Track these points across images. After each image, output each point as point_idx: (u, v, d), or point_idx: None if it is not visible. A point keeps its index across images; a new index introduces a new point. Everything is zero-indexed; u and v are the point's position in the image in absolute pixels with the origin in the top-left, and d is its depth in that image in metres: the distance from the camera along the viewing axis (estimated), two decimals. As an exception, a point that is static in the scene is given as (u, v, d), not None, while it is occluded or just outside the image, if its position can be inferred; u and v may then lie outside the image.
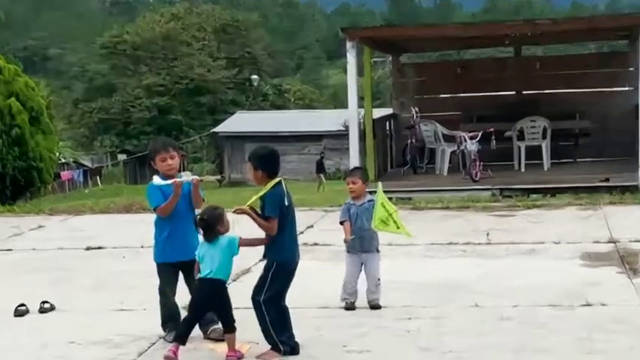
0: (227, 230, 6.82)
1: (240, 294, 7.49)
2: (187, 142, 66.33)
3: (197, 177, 7.25)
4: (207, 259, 6.83)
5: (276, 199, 6.69)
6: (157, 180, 7.27)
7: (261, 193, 6.66)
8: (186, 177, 7.24)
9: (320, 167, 45.15)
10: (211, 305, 6.90)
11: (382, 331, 7.61)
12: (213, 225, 6.78)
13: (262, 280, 6.81)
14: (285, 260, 6.81)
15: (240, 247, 6.83)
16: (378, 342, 7.29)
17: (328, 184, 39.10)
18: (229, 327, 6.85)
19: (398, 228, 8.14)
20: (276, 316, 6.79)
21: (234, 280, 9.27)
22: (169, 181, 7.17)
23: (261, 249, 6.89)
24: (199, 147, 68.09)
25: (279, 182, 6.74)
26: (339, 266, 8.85)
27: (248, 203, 6.73)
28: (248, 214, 6.70)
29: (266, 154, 6.88)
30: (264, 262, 6.83)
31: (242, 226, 7.02)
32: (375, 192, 8.29)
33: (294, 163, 51.46)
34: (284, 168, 44.03)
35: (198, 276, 6.88)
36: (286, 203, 6.72)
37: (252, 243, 6.89)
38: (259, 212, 6.79)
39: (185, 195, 7.34)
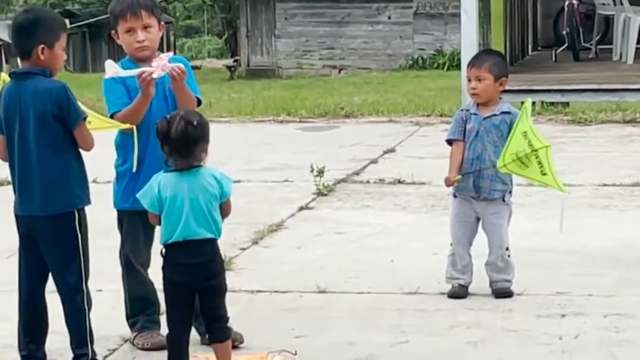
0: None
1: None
2: (176, 0, 46.11)
3: (179, 64, 5.35)
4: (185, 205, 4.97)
5: None
6: (111, 67, 5.41)
7: None
8: (160, 63, 5.27)
9: None
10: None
11: (512, 337, 5.87)
12: (196, 140, 4.88)
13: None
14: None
15: None
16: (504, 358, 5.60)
17: (422, 75, 27.59)
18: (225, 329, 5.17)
19: (543, 175, 6.09)
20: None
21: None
22: (132, 72, 5.36)
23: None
24: (197, 9, 48.44)
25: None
26: (441, 222, 7.32)
27: None
28: None
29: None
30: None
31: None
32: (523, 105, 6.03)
33: (361, 39, 33.43)
34: (345, 46, 34.64)
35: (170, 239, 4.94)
36: None
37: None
38: None
39: (161, 95, 5.51)
